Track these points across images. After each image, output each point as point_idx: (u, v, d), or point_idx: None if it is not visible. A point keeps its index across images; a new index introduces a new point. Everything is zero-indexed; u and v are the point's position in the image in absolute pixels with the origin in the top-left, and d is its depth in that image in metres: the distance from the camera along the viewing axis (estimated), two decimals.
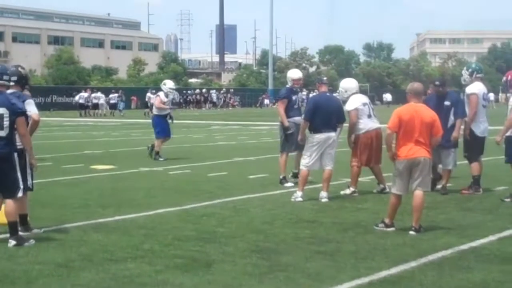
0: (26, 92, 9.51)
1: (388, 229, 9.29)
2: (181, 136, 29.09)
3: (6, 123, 8.41)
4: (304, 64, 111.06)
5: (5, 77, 8.70)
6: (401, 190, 9.39)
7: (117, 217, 10.18)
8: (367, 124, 12.52)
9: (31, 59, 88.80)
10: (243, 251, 8.11)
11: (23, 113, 8.56)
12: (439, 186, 12.39)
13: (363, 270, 7.27)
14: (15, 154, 8.51)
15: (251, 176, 14.95)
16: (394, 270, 7.28)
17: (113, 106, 57.67)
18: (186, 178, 14.93)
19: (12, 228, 8.45)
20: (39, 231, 9.03)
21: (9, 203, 8.49)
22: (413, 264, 7.55)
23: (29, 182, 9.04)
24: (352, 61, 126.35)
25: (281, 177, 13.79)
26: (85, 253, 7.92)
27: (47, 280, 6.89)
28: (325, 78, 12.84)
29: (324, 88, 12.41)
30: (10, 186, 8.51)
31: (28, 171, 8.92)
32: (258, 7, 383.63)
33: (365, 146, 12.45)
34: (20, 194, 8.56)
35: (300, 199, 11.76)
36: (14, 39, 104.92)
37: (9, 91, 9.12)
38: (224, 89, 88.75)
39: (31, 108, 9.06)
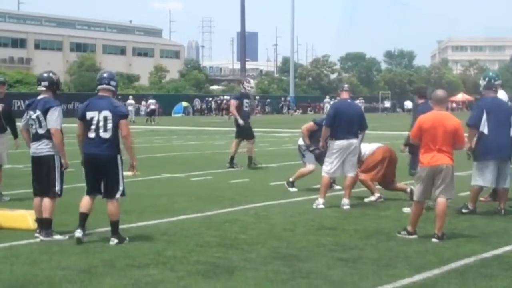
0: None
1: (411, 237, 9.26)
2: (202, 143, 29.16)
3: (109, 125, 8.79)
4: (325, 71, 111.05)
5: (112, 83, 9.08)
6: (423, 197, 9.37)
7: (139, 223, 10.23)
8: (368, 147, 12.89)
9: (53, 66, 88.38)
10: (265, 257, 8.11)
11: (126, 115, 9.03)
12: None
13: (385, 277, 7.25)
14: (119, 157, 8.90)
15: (272, 183, 14.94)
16: (416, 278, 7.25)
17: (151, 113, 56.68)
18: (208, 185, 14.96)
19: (114, 227, 8.85)
20: (63, 238, 9.08)
21: (112, 204, 8.86)
22: (436, 271, 7.52)
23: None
24: (373, 68, 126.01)
25: (291, 179, 13.95)
26: (108, 259, 7.96)
27: (69, 285, 6.92)
28: (346, 85, 12.85)
29: (345, 95, 12.40)
30: (112, 186, 8.88)
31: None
32: (279, 14, 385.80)
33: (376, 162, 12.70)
34: (118, 195, 8.90)
35: (322, 206, 11.75)
36: (37, 46, 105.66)
37: (40, 96, 9.24)
38: None
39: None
